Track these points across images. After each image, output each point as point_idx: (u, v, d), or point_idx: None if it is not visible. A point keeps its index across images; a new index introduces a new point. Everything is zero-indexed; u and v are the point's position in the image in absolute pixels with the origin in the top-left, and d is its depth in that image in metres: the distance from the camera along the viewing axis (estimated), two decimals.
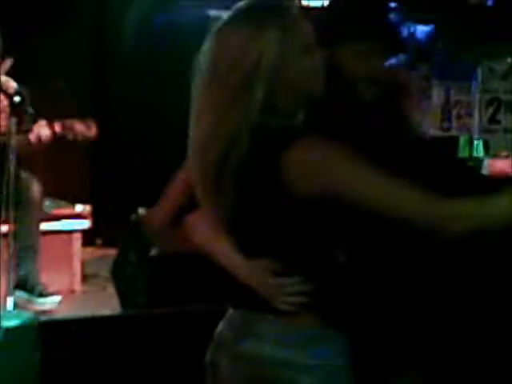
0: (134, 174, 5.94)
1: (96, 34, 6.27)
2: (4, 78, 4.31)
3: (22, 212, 4.35)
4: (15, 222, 4.13)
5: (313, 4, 8.36)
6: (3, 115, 4.38)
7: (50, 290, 4.44)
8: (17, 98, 4.11)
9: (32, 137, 4.42)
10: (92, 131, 4.59)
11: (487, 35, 6.46)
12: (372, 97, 2.23)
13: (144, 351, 3.52)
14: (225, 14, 1.84)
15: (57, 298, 4.45)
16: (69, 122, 4.56)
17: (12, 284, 4.03)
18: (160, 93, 6.23)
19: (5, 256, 4.05)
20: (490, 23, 7.33)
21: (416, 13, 8.71)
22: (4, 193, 4.04)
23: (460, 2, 7.55)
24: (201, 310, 3.47)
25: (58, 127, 4.49)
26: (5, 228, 4.10)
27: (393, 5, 8.35)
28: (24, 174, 4.48)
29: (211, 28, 1.84)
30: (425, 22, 8.71)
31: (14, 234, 4.15)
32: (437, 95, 8.53)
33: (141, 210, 3.62)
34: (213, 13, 6.22)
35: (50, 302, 4.43)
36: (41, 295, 4.43)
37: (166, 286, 3.60)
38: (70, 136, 4.55)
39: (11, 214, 4.07)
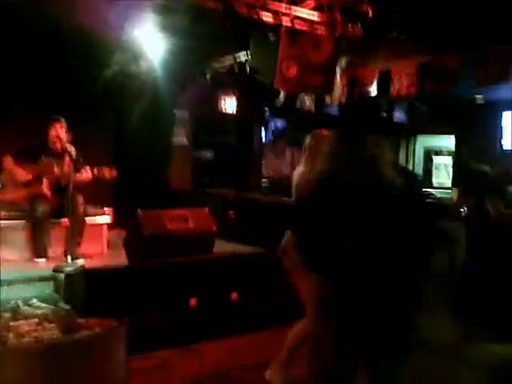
0: None
1: None
2: (68, 146, 7.08)
3: (73, 216, 7.13)
4: (71, 219, 7.07)
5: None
6: (67, 168, 7.02)
7: None
8: (76, 158, 6.90)
9: (82, 176, 7.09)
10: (113, 174, 7.09)
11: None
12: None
13: None
14: None
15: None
16: (101, 168, 7.08)
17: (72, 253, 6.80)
18: None
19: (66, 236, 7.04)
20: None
21: (277, 113, 12.90)
22: (67, 204, 6.92)
23: (299, 110, 10.20)
24: None
25: (96, 171, 7.12)
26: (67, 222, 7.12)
27: (266, 108, 12.25)
28: (76, 195, 7.11)
29: None
30: (282, 118, 13.11)
31: (72, 226, 7.06)
32: (288, 155, 12.63)
33: None
34: None
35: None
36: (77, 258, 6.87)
37: None
38: (102, 177, 7.01)
39: (70, 215, 7.03)
